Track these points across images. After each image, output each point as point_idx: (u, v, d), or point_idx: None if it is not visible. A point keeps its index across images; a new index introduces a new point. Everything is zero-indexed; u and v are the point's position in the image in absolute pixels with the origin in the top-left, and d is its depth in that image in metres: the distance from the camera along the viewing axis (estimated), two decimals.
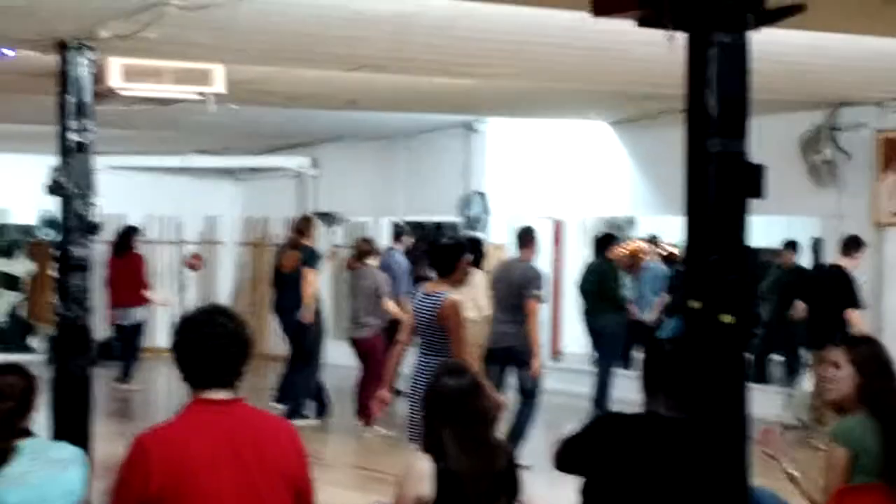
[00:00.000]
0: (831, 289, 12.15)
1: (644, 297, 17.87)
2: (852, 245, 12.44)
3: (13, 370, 4.95)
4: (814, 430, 11.84)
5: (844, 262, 12.37)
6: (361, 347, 13.52)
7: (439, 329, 8.05)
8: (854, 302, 12.10)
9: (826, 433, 5.96)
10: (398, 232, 16.42)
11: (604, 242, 15.04)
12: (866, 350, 5.82)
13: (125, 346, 17.01)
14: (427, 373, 7.92)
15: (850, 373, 5.75)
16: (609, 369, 14.35)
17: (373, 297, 13.46)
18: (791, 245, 15.95)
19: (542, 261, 16.87)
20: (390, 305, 13.50)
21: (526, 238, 12.30)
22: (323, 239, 19.85)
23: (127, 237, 17.11)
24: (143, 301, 16.75)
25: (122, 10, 7.98)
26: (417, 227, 20.95)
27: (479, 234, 8.51)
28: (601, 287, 14.56)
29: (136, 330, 17.04)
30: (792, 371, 15.36)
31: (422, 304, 8.20)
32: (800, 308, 12.69)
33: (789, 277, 15.45)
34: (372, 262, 13.84)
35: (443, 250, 8.26)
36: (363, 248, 13.96)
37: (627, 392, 7.84)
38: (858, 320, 12.08)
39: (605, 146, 16.17)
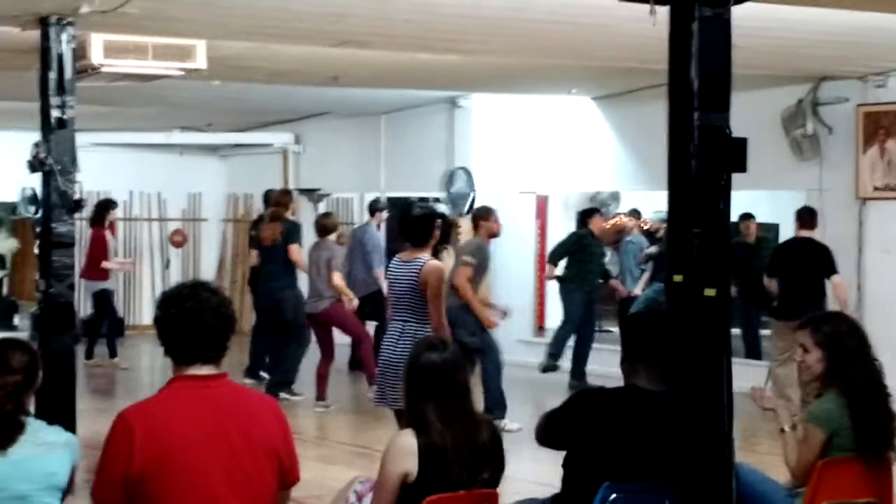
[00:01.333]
0: (812, 260, 12.19)
1: (628, 270, 17.94)
2: (812, 216, 12.54)
3: (18, 345, 4.94)
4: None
5: (809, 234, 12.45)
6: (327, 320, 13.37)
7: (419, 294, 8.05)
8: (835, 269, 12.17)
9: (801, 413, 6.01)
10: (373, 207, 16.43)
11: (586, 214, 15.35)
12: (830, 329, 5.86)
13: (92, 322, 16.78)
14: (404, 339, 7.95)
15: (819, 355, 5.80)
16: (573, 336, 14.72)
17: (328, 269, 13.36)
18: (748, 216, 15.83)
19: (527, 236, 16.99)
20: (336, 277, 13.27)
21: (478, 214, 12.46)
22: (306, 215, 19.89)
23: (101, 211, 16.80)
24: (103, 275, 16.41)
25: None
26: (402, 203, 20.98)
27: (443, 209, 8.51)
28: (580, 254, 14.82)
29: (100, 303, 16.68)
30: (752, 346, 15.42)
31: (399, 270, 8.18)
32: (772, 284, 12.69)
33: (754, 250, 15.42)
34: (332, 236, 13.75)
35: (415, 220, 8.26)
36: (323, 223, 13.82)
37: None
38: (844, 286, 12.18)
39: (588, 121, 16.16)
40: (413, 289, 8.07)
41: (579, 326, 14.71)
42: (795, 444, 5.82)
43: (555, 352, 14.60)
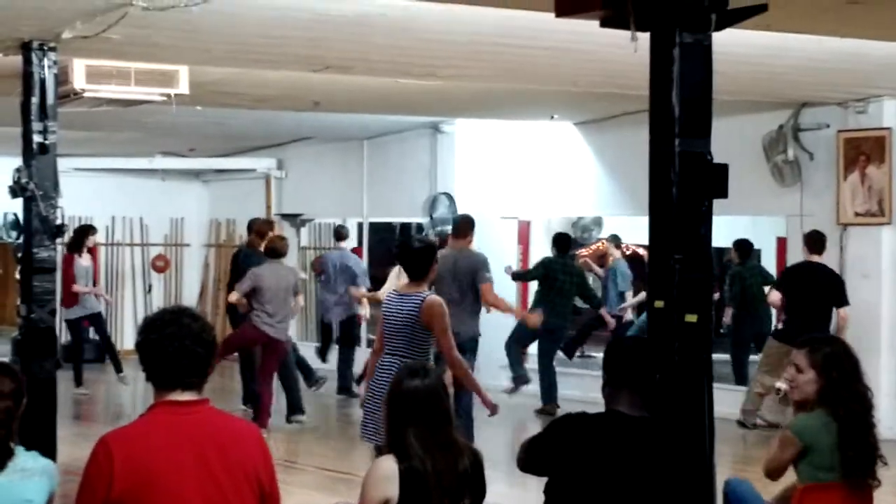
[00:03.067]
0: (824, 287, 12.23)
1: (610, 297, 17.98)
2: (822, 241, 12.58)
3: (5, 371, 4.92)
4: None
5: (819, 259, 12.50)
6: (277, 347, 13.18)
7: (418, 329, 7.99)
8: (847, 300, 12.25)
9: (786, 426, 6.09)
10: (340, 233, 16.53)
11: (565, 241, 15.38)
12: (828, 352, 5.90)
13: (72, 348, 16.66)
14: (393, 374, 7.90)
15: (812, 376, 5.84)
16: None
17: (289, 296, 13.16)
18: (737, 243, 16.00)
19: (509, 261, 16.98)
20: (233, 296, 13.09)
21: (463, 227, 12.28)
22: (289, 240, 19.87)
23: (79, 236, 16.64)
24: (73, 300, 16.22)
25: (86, 10, 7.95)
26: (384, 229, 20.99)
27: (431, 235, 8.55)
28: (582, 288, 15.05)
29: (73, 330, 16.56)
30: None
31: (396, 305, 8.10)
32: (776, 297, 12.70)
33: (755, 274, 15.54)
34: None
35: (416, 253, 8.20)
36: (279, 246, 13.41)
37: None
38: (847, 319, 12.25)
39: (570, 147, 16.19)
40: (411, 324, 7.99)
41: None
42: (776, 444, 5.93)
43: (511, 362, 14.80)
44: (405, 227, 17.96)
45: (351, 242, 19.39)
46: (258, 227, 14.78)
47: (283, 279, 13.06)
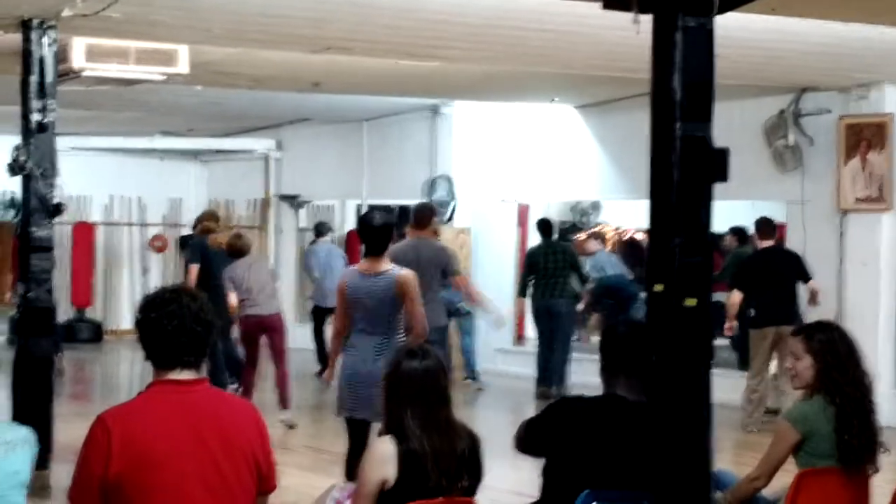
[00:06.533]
0: (781, 268, 12.30)
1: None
2: (770, 226, 12.75)
3: None
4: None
5: (769, 244, 12.61)
6: (270, 325, 12.79)
7: (394, 306, 8.01)
8: (809, 275, 12.38)
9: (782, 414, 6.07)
10: (320, 229, 16.68)
11: (548, 226, 15.26)
12: (824, 338, 5.89)
13: None
14: (378, 352, 7.91)
15: (809, 362, 5.83)
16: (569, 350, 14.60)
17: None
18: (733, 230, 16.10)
19: (508, 244, 16.97)
20: (231, 297, 12.56)
21: (425, 217, 12.14)
22: (287, 221, 19.89)
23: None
24: None
25: None
26: (383, 211, 20.93)
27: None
28: (572, 264, 14.89)
29: None
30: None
31: (366, 284, 8.09)
32: (735, 299, 12.77)
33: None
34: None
35: (378, 229, 8.20)
36: (240, 245, 12.86)
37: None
38: (817, 290, 12.33)
39: (570, 130, 16.17)
40: (391, 301, 8.02)
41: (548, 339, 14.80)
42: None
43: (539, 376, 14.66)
44: (404, 209, 17.94)
45: (349, 225, 19.43)
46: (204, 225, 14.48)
47: (255, 271, 12.74)
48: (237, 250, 12.80)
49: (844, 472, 5.75)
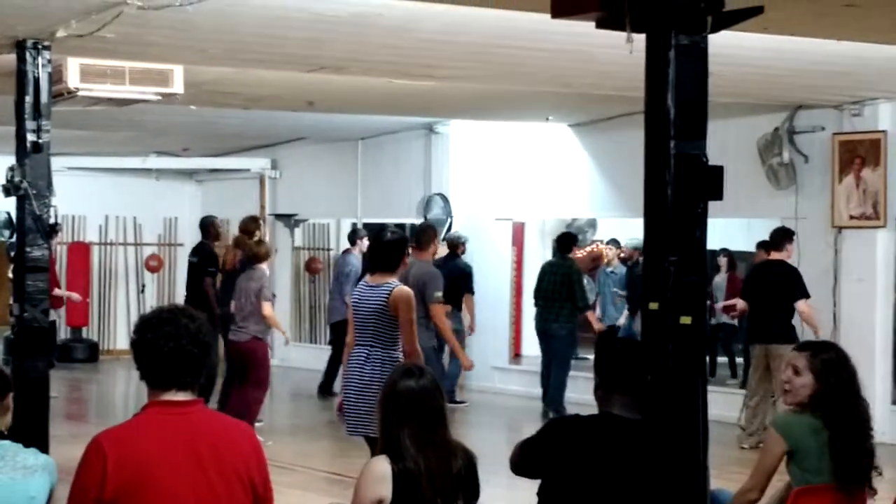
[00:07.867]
0: (777, 283, 12.23)
1: (608, 301, 17.96)
2: (785, 238, 12.60)
3: None
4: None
5: (780, 256, 12.51)
6: (239, 350, 12.49)
7: (386, 319, 8.00)
8: (805, 293, 12.24)
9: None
10: (354, 236, 16.33)
11: (566, 242, 14.97)
12: (827, 358, 5.86)
13: None
14: (371, 365, 7.91)
15: (809, 380, 5.81)
16: (566, 372, 14.43)
17: (255, 300, 12.37)
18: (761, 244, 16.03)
19: (504, 262, 16.97)
20: (266, 308, 12.32)
21: (428, 238, 12.04)
22: (283, 240, 19.87)
23: None
24: (55, 303, 16.03)
25: (80, 9, 7.94)
26: (379, 230, 20.90)
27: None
28: (569, 288, 14.53)
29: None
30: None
31: (365, 295, 8.11)
32: (741, 306, 12.80)
33: None
34: (263, 265, 12.67)
35: (388, 245, 8.21)
36: (256, 251, 12.74)
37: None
38: (810, 310, 12.26)
39: (565, 148, 16.19)
40: (380, 313, 8.01)
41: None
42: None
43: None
44: (399, 228, 17.97)
45: (343, 244, 19.37)
46: (245, 225, 14.49)
47: (243, 286, 12.52)
48: (254, 257, 12.65)
49: (840, 493, 5.73)
